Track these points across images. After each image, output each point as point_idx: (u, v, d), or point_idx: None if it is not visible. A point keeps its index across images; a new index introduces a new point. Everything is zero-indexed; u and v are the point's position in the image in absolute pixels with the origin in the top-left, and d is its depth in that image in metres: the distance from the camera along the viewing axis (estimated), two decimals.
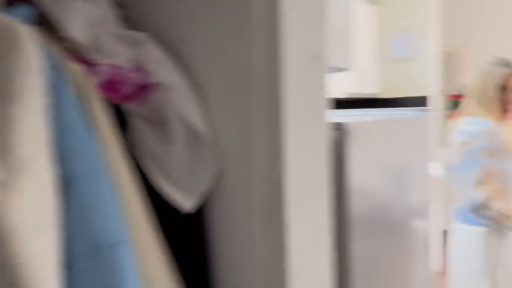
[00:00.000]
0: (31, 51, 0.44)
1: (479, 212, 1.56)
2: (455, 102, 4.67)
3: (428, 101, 3.48)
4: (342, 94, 3.30)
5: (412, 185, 1.53)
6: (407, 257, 1.49)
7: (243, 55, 0.72)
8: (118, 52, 0.64)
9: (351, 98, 3.53)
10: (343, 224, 1.01)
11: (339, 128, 1.01)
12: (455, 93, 4.66)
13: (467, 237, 1.66)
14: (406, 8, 3.54)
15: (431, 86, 3.48)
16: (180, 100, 0.64)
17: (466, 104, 1.74)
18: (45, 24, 0.58)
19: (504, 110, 1.64)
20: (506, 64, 1.68)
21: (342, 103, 3.63)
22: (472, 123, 1.63)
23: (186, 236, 0.65)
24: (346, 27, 1.11)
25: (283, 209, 0.67)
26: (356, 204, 1.06)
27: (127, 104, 0.65)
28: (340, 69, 1.16)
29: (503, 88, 1.64)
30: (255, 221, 0.69)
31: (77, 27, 0.58)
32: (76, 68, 0.53)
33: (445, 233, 4.11)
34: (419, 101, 3.49)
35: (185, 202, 0.62)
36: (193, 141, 0.63)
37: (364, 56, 3.59)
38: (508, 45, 4.30)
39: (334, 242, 1.03)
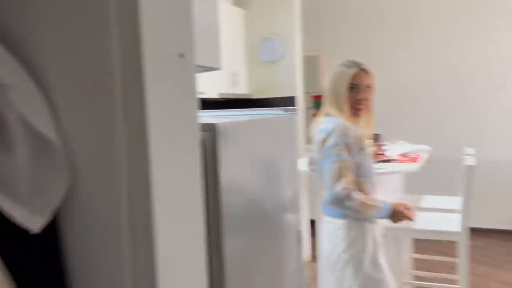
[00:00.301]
0: None
1: (339, 204, 1.66)
2: (317, 101, 5.08)
3: (296, 101, 3.70)
4: (215, 95, 3.32)
5: (283, 181, 1.59)
6: (281, 249, 1.54)
7: (101, 55, 0.65)
8: None
9: (224, 98, 3.58)
10: (217, 223, 0.99)
11: (211, 129, 0.99)
12: (317, 93, 5.07)
13: (332, 229, 1.78)
14: (272, 14, 3.72)
15: (297, 87, 3.71)
16: (23, 101, 0.55)
17: (323, 104, 1.86)
18: None
19: (355, 108, 1.75)
20: (355, 64, 1.79)
21: (215, 104, 3.68)
22: (327, 122, 1.74)
23: (37, 261, 0.55)
24: (214, 27, 1.10)
25: (151, 217, 0.62)
26: (231, 203, 1.05)
27: None
28: (210, 69, 1.15)
29: (352, 87, 1.74)
30: (121, 235, 0.62)
31: None
32: None
33: (312, 223, 4.43)
34: (288, 101, 3.70)
35: (31, 221, 0.52)
36: (39, 149, 0.54)
37: (236, 58, 3.66)
38: (361, 50, 4.83)
39: (209, 241, 1.01)
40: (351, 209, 1.66)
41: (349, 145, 1.67)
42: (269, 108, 1.50)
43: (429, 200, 3.00)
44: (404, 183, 3.34)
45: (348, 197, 1.64)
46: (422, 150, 2.94)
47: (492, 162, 4.28)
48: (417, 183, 3.59)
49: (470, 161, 2.38)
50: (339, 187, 1.63)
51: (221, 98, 3.40)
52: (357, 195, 1.65)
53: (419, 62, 4.61)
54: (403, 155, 2.78)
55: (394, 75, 4.64)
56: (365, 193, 1.72)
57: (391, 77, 4.62)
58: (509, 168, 4.30)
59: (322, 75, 5.02)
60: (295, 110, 1.51)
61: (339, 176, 1.64)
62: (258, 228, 1.34)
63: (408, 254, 3.07)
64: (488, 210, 4.28)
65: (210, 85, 3.25)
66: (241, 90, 3.73)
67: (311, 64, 5.03)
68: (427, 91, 4.60)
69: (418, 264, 3.44)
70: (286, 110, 1.54)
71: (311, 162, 2.01)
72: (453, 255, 3.68)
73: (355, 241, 1.72)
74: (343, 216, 1.74)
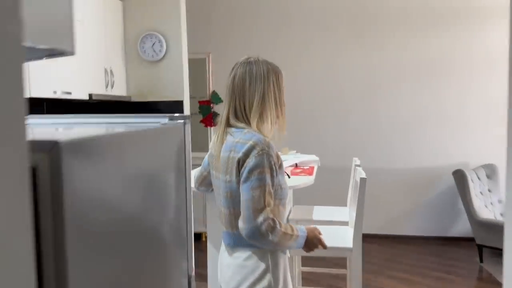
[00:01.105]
0: None
1: (260, 239, 1.39)
2: (205, 107, 4.80)
3: (184, 106, 3.37)
4: (84, 95, 2.82)
5: (168, 195, 1.27)
6: (165, 265, 1.23)
7: None
8: None
9: (95, 100, 3.08)
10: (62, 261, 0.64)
11: (51, 149, 0.63)
12: (204, 98, 4.80)
13: (239, 260, 1.49)
14: (155, 9, 3.34)
15: (184, 91, 3.38)
16: None
17: (229, 112, 1.52)
18: None
19: (276, 117, 1.54)
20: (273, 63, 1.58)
21: (84, 107, 3.16)
22: (242, 136, 1.44)
23: None
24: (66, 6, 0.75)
25: None
26: (93, 228, 0.72)
27: None
28: (57, 53, 0.78)
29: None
30: None
31: None
32: None
33: (196, 236, 4.12)
34: (174, 106, 3.35)
35: None
36: None
37: (111, 55, 3.19)
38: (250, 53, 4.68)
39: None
40: (272, 243, 1.40)
41: (272, 166, 1.42)
42: (153, 114, 1.14)
43: (319, 211, 2.93)
44: (292, 195, 3.25)
45: (272, 230, 1.38)
46: (312, 161, 2.86)
47: (366, 170, 4.47)
48: (303, 194, 3.55)
49: (362, 173, 2.32)
50: (261, 219, 1.37)
51: (92, 100, 2.91)
52: (279, 227, 1.41)
53: (305, 67, 4.64)
54: (295, 166, 2.66)
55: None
56: (280, 219, 1.48)
57: None
58: (383, 176, 4.54)
59: (210, 79, 4.77)
60: (186, 117, 1.18)
61: (261, 205, 1.38)
62: (136, 246, 1.02)
63: (298, 269, 2.95)
64: (365, 216, 4.46)
65: (78, 84, 2.75)
66: (117, 91, 3.27)
67: (197, 67, 4.74)
68: (311, 99, 4.65)
69: (306, 277, 3.37)
70: (172, 118, 1.21)
71: (202, 180, 1.71)
72: (342, 265, 3.72)
73: (266, 272, 1.46)
74: (255, 247, 1.47)
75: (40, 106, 2.83)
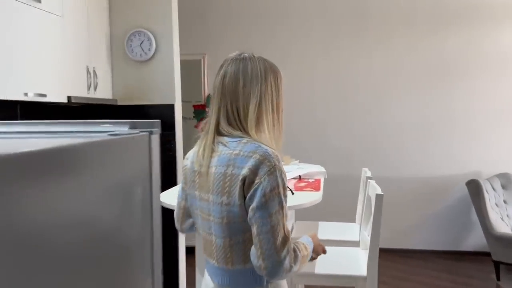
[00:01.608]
0: None
1: (284, 275, 1.13)
2: (199, 112, 4.50)
3: (175, 110, 3.06)
4: (62, 98, 2.51)
5: (131, 216, 0.97)
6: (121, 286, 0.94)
7: None
8: None
9: (75, 103, 2.77)
10: None
11: None
12: (199, 102, 4.49)
13: None
14: (145, 3, 3.03)
15: (175, 94, 3.07)
16: None
17: (225, 118, 1.24)
18: None
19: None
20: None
21: (62, 111, 2.83)
22: (243, 148, 1.17)
23: None
24: None
25: None
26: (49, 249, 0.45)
27: None
28: None
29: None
30: None
31: None
32: None
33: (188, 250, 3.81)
34: (165, 110, 3.05)
35: None
36: None
37: (95, 53, 2.88)
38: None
39: None
40: (293, 273, 1.17)
41: (285, 184, 1.16)
42: (112, 121, 0.82)
43: (325, 228, 2.63)
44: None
45: (295, 261, 1.16)
46: (318, 172, 2.55)
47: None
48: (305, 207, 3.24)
49: (376, 188, 2.02)
50: (285, 253, 1.12)
51: (71, 103, 2.60)
52: (299, 252, 1.19)
53: (306, 69, 4.34)
54: (299, 179, 2.35)
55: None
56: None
57: None
58: (391, 185, 4.24)
59: (205, 82, 4.46)
60: (154, 125, 0.85)
61: (282, 235, 1.12)
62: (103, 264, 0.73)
63: None
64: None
65: (54, 85, 2.43)
66: (101, 94, 2.96)
67: (192, 69, 4.44)
68: (313, 103, 4.35)
69: None
70: (134, 126, 0.91)
71: (183, 215, 1.39)
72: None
73: None
74: (261, 284, 1.20)
75: (13, 110, 2.52)
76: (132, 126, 0.88)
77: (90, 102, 2.79)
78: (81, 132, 0.88)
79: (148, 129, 0.90)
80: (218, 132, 1.21)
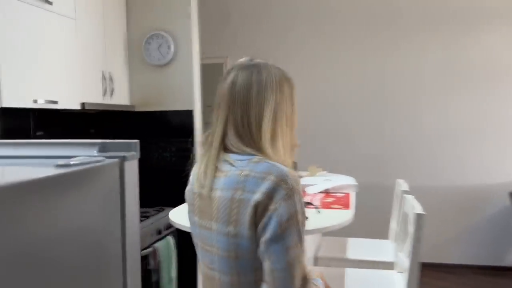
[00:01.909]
0: None
1: None
2: None
3: (195, 116, 2.90)
4: (75, 105, 2.38)
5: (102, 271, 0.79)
6: None
7: None
8: None
9: (90, 110, 2.64)
10: None
11: None
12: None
13: None
14: (163, 5, 2.89)
15: (194, 98, 2.91)
16: None
17: (232, 133, 1.07)
18: None
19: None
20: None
21: (76, 119, 2.69)
22: (253, 167, 1.00)
23: None
24: None
25: None
26: None
27: None
28: None
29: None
30: None
31: None
32: None
33: None
34: (184, 116, 2.89)
35: None
36: None
37: (111, 57, 2.76)
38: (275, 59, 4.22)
39: None
40: None
41: (304, 209, 0.99)
42: (81, 142, 0.64)
43: (356, 246, 2.40)
44: None
45: None
46: (349, 186, 2.32)
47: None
48: None
49: (415, 206, 1.79)
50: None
51: (86, 110, 2.47)
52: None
53: (333, 71, 4.11)
54: (327, 193, 2.14)
55: (309, 88, 4.08)
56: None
57: (305, 90, 4.05)
58: (426, 195, 3.95)
59: None
60: (130, 147, 0.65)
61: (301, 273, 0.95)
62: None
63: None
64: None
65: (66, 91, 2.31)
66: (118, 100, 2.82)
67: (213, 73, 4.28)
68: (339, 108, 4.11)
69: None
70: (104, 148, 0.74)
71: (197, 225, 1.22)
72: None
73: None
74: None
75: (26, 117, 2.41)
76: (102, 149, 0.70)
77: (105, 108, 2.66)
78: (33, 158, 0.71)
79: (121, 154, 0.71)
80: (224, 147, 1.03)
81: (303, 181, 2.32)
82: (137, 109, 2.97)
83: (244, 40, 4.25)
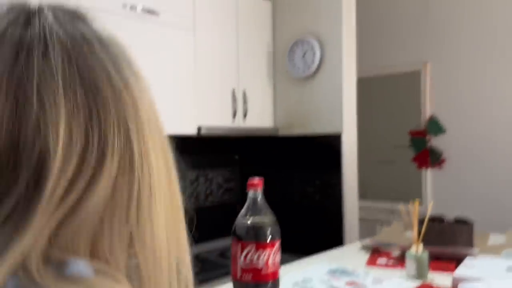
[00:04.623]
0: None
1: None
2: (419, 140, 3.37)
3: (343, 143, 2.21)
4: (192, 129, 2.08)
5: None
6: None
7: None
8: None
9: (223, 135, 2.30)
10: None
11: None
12: (417, 127, 3.37)
13: None
14: (309, 8, 2.32)
15: (341, 120, 2.21)
16: None
17: None
18: None
19: None
20: None
21: (212, 143, 2.35)
22: None
23: None
24: None
25: None
26: None
27: None
28: None
29: None
30: None
31: None
32: None
33: None
34: (331, 141, 2.24)
35: None
36: None
37: (248, 72, 2.37)
38: (473, 68, 3.04)
39: None
40: None
41: None
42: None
43: None
44: None
45: None
46: None
47: None
48: None
49: None
50: None
51: (201, 136, 2.13)
52: None
53: None
54: None
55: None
56: None
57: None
58: None
59: (426, 99, 3.32)
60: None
61: None
62: None
63: None
64: None
65: (179, 114, 2.03)
66: (254, 121, 2.40)
67: (407, 83, 3.39)
68: None
69: None
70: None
71: None
72: None
73: None
74: None
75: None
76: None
77: (234, 133, 2.28)
78: None
79: None
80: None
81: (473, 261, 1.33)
82: (280, 133, 2.48)
83: (448, 42, 3.20)
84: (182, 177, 0.49)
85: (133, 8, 1.82)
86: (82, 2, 1.58)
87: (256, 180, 0.99)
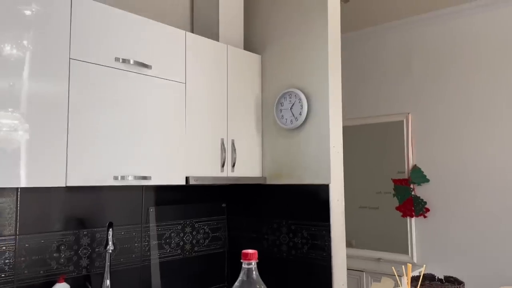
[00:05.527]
0: None
1: None
2: (403, 189, 3.41)
3: (330, 193, 2.22)
4: (180, 180, 2.07)
5: None
6: None
7: None
8: None
9: (209, 184, 2.29)
10: None
11: None
12: (401, 175, 3.42)
13: None
14: (296, 61, 2.41)
15: (328, 170, 2.23)
16: None
17: None
18: None
19: None
20: None
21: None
22: None
23: None
24: None
25: None
26: None
27: None
28: None
29: None
30: None
31: None
32: None
33: None
34: (319, 192, 2.24)
35: None
36: None
37: (235, 122, 2.40)
38: (451, 116, 3.16)
39: None
40: None
41: None
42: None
43: None
44: None
45: None
46: None
47: None
48: None
49: None
50: None
51: (188, 185, 2.12)
52: None
53: None
54: None
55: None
56: None
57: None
58: None
59: (408, 148, 3.40)
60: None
61: None
62: None
63: None
64: None
65: (167, 165, 2.02)
66: (242, 171, 2.40)
67: (392, 132, 3.48)
68: None
69: None
70: None
71: None
72: None
73: None
74: None
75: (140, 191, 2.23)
76: None
77: (222, 182, 2.28)
78: None
79: None
80: None
81: None
82: (268, 182, 2.48)
83: (428, 93, 3.33)
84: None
85: (126, 61, 1.85)
86: (76, 55, 1.61)
87: (251, 252, 0.97)
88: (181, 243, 2.41)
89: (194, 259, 2.47)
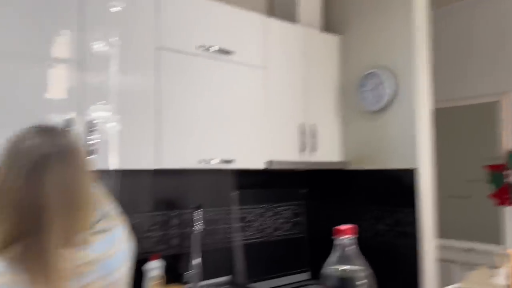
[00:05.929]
0: None
1: None
2: (498, 175, 3.14)
3: (417, 177, 2.11)
4: (261, 164, 2.09)
5: None
6: None
7: None
8: None
9: (288, 169, 2.29)
10: None
11: None
12: (496, 161, 3.15)
13: None
14: (380, 40, 2.30)
15: (414, 154, 2.12)
16: None
17: None
18: None
19: None
20: None
21: (279, 176, 2.32)
22: None
23: None
24: None
25: None
26: None
27: None
28: None
29: None
30: None
31: None
32: None
33: None
34: (404, 177, 2.14)
35: None
36: None
37: (315, 106, 2.36)
38: None
39: None
40: None
41: None
42: None
43: None
44: None
45: None
46: None
47: None
48: None
49: None
50: None
51: (268, 170, 2.13)
52: None
53: None
54: None
55: None
56: None
57: None
58: None
59: (504, 132, 3.12)
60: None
61: None
62: None
63: None
64: None
65: (250, 149, 2.05)
66: (323, 156, 2.36)
67: (482, 116, 3.21)
68: None
69: None
70: None
71: None
72: None
73: None
74: None
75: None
76: None
77: (302, 167, 2.26)
78: None
79: None
80: None
81: None
82: (349, 167, 2.42)
83: None
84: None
85: (208, 48, 1.89)
86: (162, 45, 1.66)
87: (343, 228, 0.93)
88: (262, 227, 2.44)
89: (275, 243, 2.49)
